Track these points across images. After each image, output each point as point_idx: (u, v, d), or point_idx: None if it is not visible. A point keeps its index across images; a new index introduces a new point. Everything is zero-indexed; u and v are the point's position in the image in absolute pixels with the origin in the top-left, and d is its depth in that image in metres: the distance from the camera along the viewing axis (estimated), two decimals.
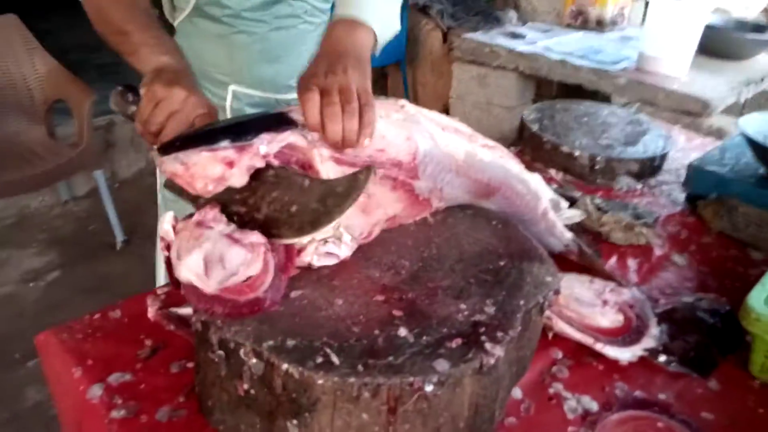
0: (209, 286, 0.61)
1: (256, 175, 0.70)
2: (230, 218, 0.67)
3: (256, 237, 0.65)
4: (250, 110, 1.15)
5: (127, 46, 0.86)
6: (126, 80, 0.83)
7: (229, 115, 1.15)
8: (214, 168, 0.67)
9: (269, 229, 0.66)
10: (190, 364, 0.74)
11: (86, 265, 2.52)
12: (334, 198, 0.67)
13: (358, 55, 0.79)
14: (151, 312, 0.75)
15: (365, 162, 0.73)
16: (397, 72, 3.44)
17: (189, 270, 0.61)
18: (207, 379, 0.65)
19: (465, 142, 0.83)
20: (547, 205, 0.93)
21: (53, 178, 2.39)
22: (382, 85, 3.74)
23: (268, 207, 0.68)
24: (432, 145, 0.78)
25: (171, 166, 0.67)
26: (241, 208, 0.68)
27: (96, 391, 0.71)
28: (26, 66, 2.57)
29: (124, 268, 2.50)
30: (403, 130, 0.76)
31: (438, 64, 3.22)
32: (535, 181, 0.92)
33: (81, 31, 3.01)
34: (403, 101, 0.80)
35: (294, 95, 1.16)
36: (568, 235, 0.96)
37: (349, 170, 0.72)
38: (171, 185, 0.71)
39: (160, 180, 1.25)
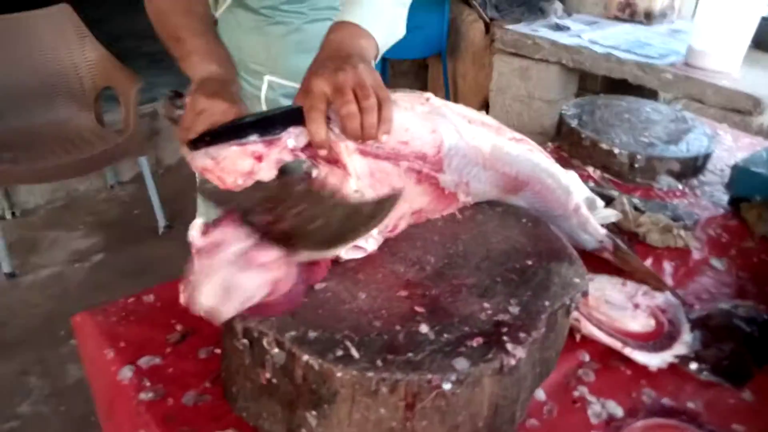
0: (227, 312, 0.62)
1: (286, 186, 0.70)
2: (253, 225, 0.68)
3: (271, 255, 0.64)
4: (284, 101, 1.16)
5: (180, 51, 0.89)
6: (174, 70, 0.85)
7: (264, 105, 1.17)
8: (244, 162, 0.68)
9: (290, 240, 0.67)
10: (218, 351, 0.76)
11: (129, 249, 2.60)
12: (359, 218, 0.67)
13: (364, 57, 0.77)
14: (183, 298, 0.77)
15: (389, 153, 0.73)
16: (437, 63, 3.42)
17: (206, 299, 0.62)
18: (232, 366, 0.67)
19: (492, 135, 0.82)
20: (578, 200, 0.91)
21: (100, 164, 2.47)
22: (422, 77, 3.72)
23: (293, 219, 0.68)
24: (457, 138, 0.78)
25: (201, 161, 0.68)
26: (267, 217, 0.69)
27: (126, 373, 0.73)
28: (77, 54, 2.65)
29: (165, 253, 2.57)
30: (428, 123, 0.76)
31: (479, 56, 3.19)
32: (565, 176, 0.90)
33: (132, 19, 3.10)
34: (429, 94, 0.80)
35: None
36: (602, 231, 0.94)
37: (373, 162, 0.72)
38: (203, 191, 0.72)
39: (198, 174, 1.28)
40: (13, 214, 2.79)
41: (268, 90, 1.15)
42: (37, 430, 1.74)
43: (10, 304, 2.26)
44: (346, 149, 0.70)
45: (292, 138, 0.69)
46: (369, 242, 0.73)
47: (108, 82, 2.64)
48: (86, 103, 2.70)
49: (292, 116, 0.70)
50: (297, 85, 1.15)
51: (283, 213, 0.68)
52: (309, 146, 0.71)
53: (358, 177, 0.71)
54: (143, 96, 2.57)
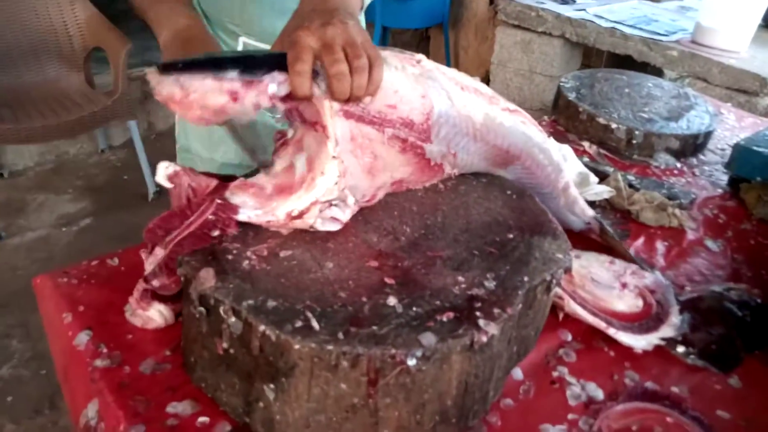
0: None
1: None
2: None
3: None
4: None
5: (149, 21, 0.85)
6: None
7: None
8: (217, 98, 0.61)
9: None
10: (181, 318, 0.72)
11: (118, 214, 2.57)
12: None
13: (351, 12, 0.71)
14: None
15: (374, 117, 0.68)
16: (439, 34, 3.34)
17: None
18: (190, 335, 0.63)
19: (485, 104, 0.77)
20: (568, 179, 0.86)
21: (88, 126, 2.42)
22: (423, 48, 3.64)
23: None
24: (448, 106, 0.73)
25: (168, 88, 0.61)
26: None
27: (83, 338, 0.69)
28: (67, 12, 2.58)
29: None
30: (419, 87, 0.70)
31: (482, 28, 3.11)
32: (558, 152, 0.86)
33: None
34: (420, 55, 0.74)
35: None
36: (590, 212, 0.90)
37: (356, 126, 0.67)
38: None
39: (177, 138, 1.23)
40: (1, 175, 2.75)
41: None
42: (17, 392, 1.72)
43: None
44: (330, 109, 0.65)
45: (275, 84, 0.63)
46: (346, 213, 0.68)
47: (98, 43, 2.58)
48: (76, 64, 2.64)
49: (277, 61, 0.63)
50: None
51: None
52: (289, 97, 0.65)
53: (337, 141, 0.65)
54: (135, 59, 2.51)
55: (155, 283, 0.66)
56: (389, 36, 3.47)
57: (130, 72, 2.47)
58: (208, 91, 0.61)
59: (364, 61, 0.63)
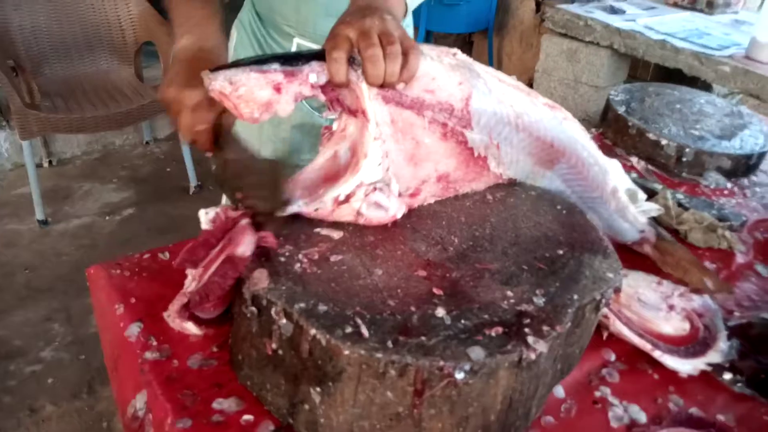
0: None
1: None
2: None
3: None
4: None
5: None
6: None
7: None
8: (262, 91, 0.64)
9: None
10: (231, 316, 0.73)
11: (159, 206, 2.62)
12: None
13: (394, 15, 0.73)
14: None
15: (413, 102, 0.69)
16: (483, 40, 3.32)
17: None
18: (239, 333, 0.65)
19: (524, 96, 0.76)
20: (616, 183, 0.85)
21: (136, 118, 2.48)
22: (467, 53, 3.62)
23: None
24: (487, 93, 0.72)
25: (219, 83, 0.64)
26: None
27: (134, 330, 0.72)
28: (121, 7, 2.65)
29: (194, 212, 2.53)
30: (456, 74, 0.71)
31: (527, 35, 3.08)
32: (602, 155, 0.84)
33: None
34: (456, 50, 0.74)
35: None
36: (643, 219, 0.88)
37: (395, 109, 0.68)
38: (217, 176, 0.70)
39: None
40: (50, 162, 2.84)
41: None
42: (57, 375, 1.78)
43: (41, 250, 2.30)
44: (368, 92, 0.66)
45: (314, 73, 0.65)
46: (391, 200, 0.69)
47: (149, 37, 2.64)
48: (127, 57, 2.71)
49: (316, 54, 0.66)
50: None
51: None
52: (329, 85, 0.67)
53: (377, 123, 0.67)
54: None
55: (193, 307, 0.67)
56: (432, 40, 3.47)
57: None
58: (254, 85, 0.64)
59: (398, 48, 0.64)
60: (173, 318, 0.69)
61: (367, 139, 0.67)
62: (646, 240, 0.90)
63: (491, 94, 0.73)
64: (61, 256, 2.28)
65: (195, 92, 0.70)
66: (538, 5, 2.97)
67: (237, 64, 0.66)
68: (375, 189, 0.68)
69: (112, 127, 2.46)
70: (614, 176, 0.85)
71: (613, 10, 2.62)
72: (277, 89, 0.65)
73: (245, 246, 0.62)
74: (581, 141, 0.81)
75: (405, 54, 0.65)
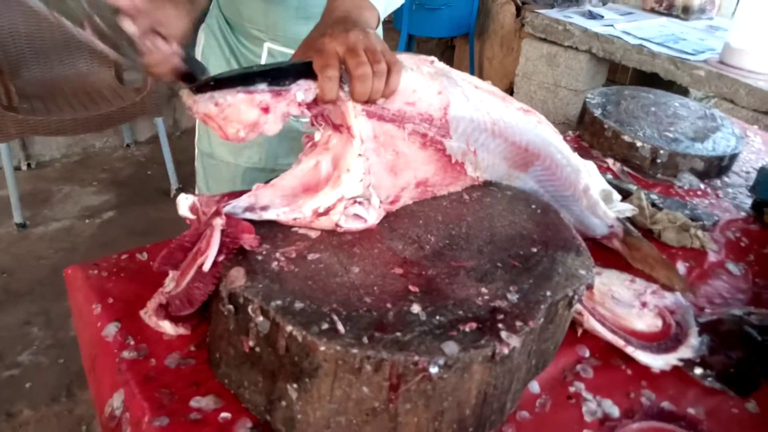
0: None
1: None
2: None
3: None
4: None
5: None
6: None
7: None
8: (249, 112, 0.64)
9: None
10: (208, 315, 0.74)
11: (140, 209, 2.61)
12: None
13: (370, 27, 0.74)
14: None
15: (394, 115, 0.70)
16: (464, 44, 3.35)
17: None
18: (216, 331, 0.65)
19: (499, 102, 0.78)
20: (587, 181, 0.87)
21: (116, 121, 2.47)
22: (448, 57, 3.65)
23: None
24: (464, 101, 0.74)
25: (204, 106, 0.64)
26: None
27: (111, 330, 0.71)
28: (101, 6, 2.63)
29: (175, 215, 2.53)
30: (435, 83, 0.72)
31: (508, 40, 3.11)
32: (586, 167, 0.86)
33: None
34: (433, 57, 0.76)
35: None
36: (612, 215, 0.90)
37: (377, 124, 0.69)
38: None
39: (198, 143, 1.24)
40: (28, 165, 2.81)
41: (268, 58, 1.12)
42: (36, 379, 1.75)
43: (18, 254, 2.28)
44: (354, 109, 0.67)
45: (301, 91, 0.65)
46: (370, 212, 0.70)
47: None
48: (106, 59, 2.69)
49: (302, 70, 0.66)
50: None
51: None
52: (315, 103, 0.67)
53: (362, 140, 0.68)
54: None
55: (174, 311, 0.67)
56: (414, 44, 3.49)
57: None
58: (241, 106, 0.64)
59: (384, 66, 0.66)
60: (150, 315, 0.69)
61: (350, 155, 0.68)
62: (615, 235, 0.92)
63: (469, 101, 0.74)
64: (40, 260, 2.25)
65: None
66: (519, 10, 3.01)
67: (220, 81, 0.65)
68: (355, 203, 0.69)
69: (92, 129, 2.44)
70: (585, 175, 0.87)
71: (592, 15, 2.66)
72: (265, 110, 0.65)
73: (209, 257, 0.62)
74: (555, 143, 0.82)
75: (388, 70, 0.66)
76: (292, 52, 1.07)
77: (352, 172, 0.67)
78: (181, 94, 0.65)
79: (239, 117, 0.64)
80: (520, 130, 0.79)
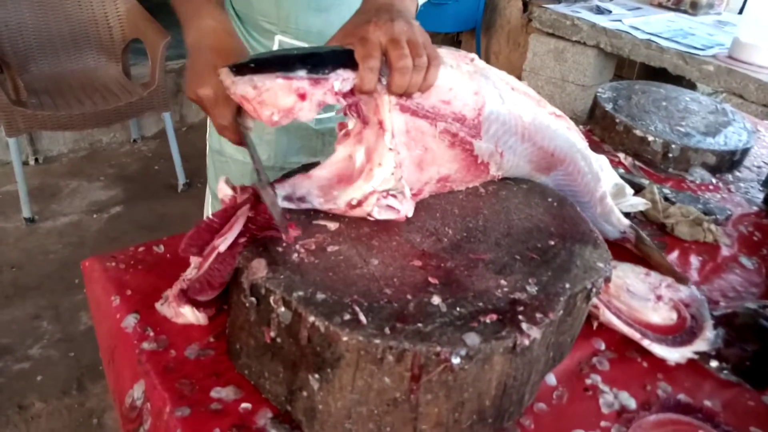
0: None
1: None
2: None
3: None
4: None
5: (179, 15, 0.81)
6: None
7: None
8: (286, 98, 0.64)
9: None
10: (226, 306, 0.74)
11: (147, 203, 2.61)
12: None
13: (411, 15, 0.73)
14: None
15: (428, 112, 0.70)
16: (471, 39, 3.35)
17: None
18: (237, 323, 0.65)
19: (533, 105, 0.78)
20: (605, 189, 0.87)
21: (124, 116, 2.47)
22: None
23: None
24: (500, 103, 0.74)
25: (243, 88, 0.63)
26: None
27: (130, 321, 0.72)
28: (109, 3, 2.64)
29: (182, 210, 2.58)
30: (472, 83, 0.72)
31: (514, 35, 3.11)
32: (598, 161, 0.87)
33: None
34: (473, 55, 0.76)
35: None
36: (626, 221, 0.91)
37: (410, 119, 0.69)
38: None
39: (209, 140, 1.23)
40: (36, 160, 2.81)
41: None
42: (46, 372, 1.76)
43: (27, 248, 2.29)
44: (389, 103, 0.67)
45: (339, 81, 0.65)
46: (403, 203, 0.70)
47: (137, 35, 2.63)
48: (114, 54, 2.69)
49: (342, 58, 0.65)
50: (308, 46, 1.06)
51: None
52: (351, 92, 0.67)
53: (393, 134, 0.68)
54: (172, 52, 2.55)
55: (194, 294, 0.68)
56: None
57: (166, 64, 2.51)
58: (279, 91, 0.64)
59: (424, 60, 0.65)
60: (168, 303, 0.70)
61: (382, 149, 0.67)
62: (627, 241, 0.92)
63: (504, 104, 0.74)
64: (49, 254, 2.26)
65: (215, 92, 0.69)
66: (526, 5, 3.00)
67: (260, 64, 0.64)
68: (388, 195, 0.69)
69: (100, 124, 2.44)
70: (605, 183, 0.87)
71: (600, 10, 2.65)
72: (302, 96, 0.64)
73: (227, 239, 0.63)
74: (581, 150, 0.83)
75: (428, 64, 0.65)
76: (303, 44, 1.07)
77: (384, 166, 0.67)
78: (221, 72, 0.64)
79: (275, 102, 0.64)
80: (550, 135, 0.79)
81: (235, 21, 1.13)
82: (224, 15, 0.80)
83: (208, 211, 1.29)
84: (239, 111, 0.71)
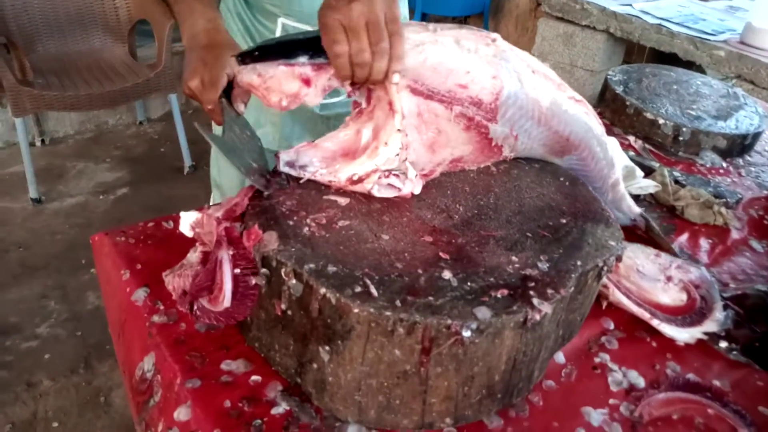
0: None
1: None
2: None
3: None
4: None
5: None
6: None
7: None
8: (291, 84, 0.66)
9: None
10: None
11: (153, 185, 2.61)
12: None
13: None
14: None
15: (443, 96, 0.70)
16: (479, 23, 3.32)
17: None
18: None
19: (553, 89, 0.77)
20: (619, 175, 0.86)
21: (130, 97, 2.46)
22: None
23: None
24: (518, 87, 0.73)
25: (248, 76, 0.66)
26: None
27: (141, 294, 0.72)
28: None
29: (188, 192, 2.58)
30: (491, 68, 0.71)
31: (523, 19, 3.08)
32: (612, 147, 0.86)
33: None
34: (495, 35, 0.75)
35: None
36: (636, 209, 0.90)
37: (423, 102, 0.69)
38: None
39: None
40: (42, 141, 2.81)
41: (282, 33, 1.09)
42: (54, 351, 1.78)
43: (34, 228, 2.29)
44: (396, 86, 0.67)
45: None
46: (406, 184, 0.70)
47: (143, 15, 2.61)
48: (120, 35, 2.68)
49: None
50: (313, 29, 1.06)
51: None
52: None
53: (403, 116, 0.68)
54: (178, 34, 2.52)
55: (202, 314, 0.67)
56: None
57: (173, 46, 2.50)
58: (282, 78, 0.66)
59: (385, 44, 0.64)
60: (172, 292, 0.69)
61: (389, 129, 0.68)
62: (637, 228, 0.92)
63: (522, 87, 0.73)
64: (56, 235, 2.27)
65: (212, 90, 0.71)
66: None
67: (264, 52, 0.66)
68: (390, 174, 0.69)
69: (106, 105, 2.44)
70: (618, 169, 0.86)
71: None
72: (306, 82, 0.66)
73: (227, 296, 0.63)
74: (597, 136, 0.82)
75: (391, 45, 0.64)
76: (307, 27, 1.06)
77: (390, 146, 0.67)
78: (229, 63, 0.67)
79: (280, 88, 0.66)
80: (566, 120, 0.78)
81: (241, 4, 1.12)
82: (215, 13, 0.81)
83: (215, 199, 1.29)
84: (229, 98, 0.73)
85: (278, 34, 1.09)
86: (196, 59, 0.74)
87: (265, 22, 1.09)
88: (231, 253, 0.62)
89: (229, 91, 0.72)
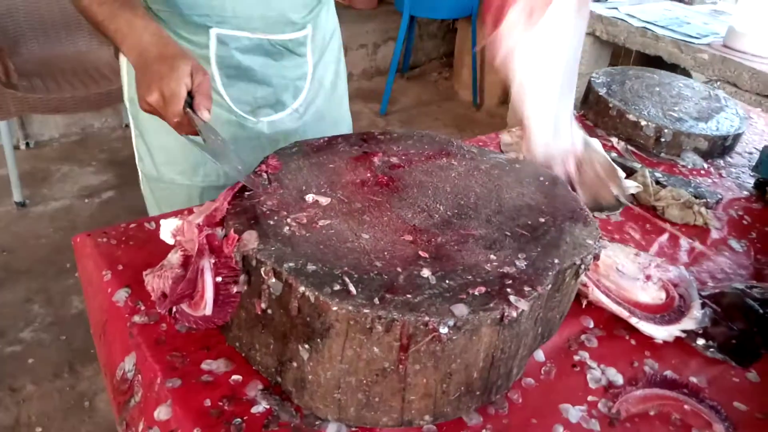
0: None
1: None
2: None
3: None
4: (240, 57, 0.98)
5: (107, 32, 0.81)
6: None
7: (214, 66, 0.98)
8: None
9: None
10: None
11: (139, 189, 2.59)
12: None
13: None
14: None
15: None
16: (467, 26, 3.33)
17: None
18: None
19: None
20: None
21: (115, 99, 2.45)
22: (450, 40, 3.63)
23: None
24: None
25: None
26: None
27: (122, 295, 0.72)
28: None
29: None
30: None
31: None
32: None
33: None
34: None
35: (293, 34, 1.02)
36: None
37: None
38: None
39: (141, 166, 1.15)
40: (27, 144, 2.79)
41: (218, 46, 0.97)
42: (38, 355, 1.76)
43: (18, 232, 2.27)
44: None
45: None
46: None
47: None
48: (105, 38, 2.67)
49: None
50: (252, 36, 0.98)
51: None
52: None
53: None
54: None
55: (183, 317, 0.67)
56: (416, 25, 3.46)
57: None
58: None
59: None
60: (152, 293, 0.69)
61: None
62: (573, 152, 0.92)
63: None
64: (40, 239, 2.25)
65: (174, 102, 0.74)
66: None
67: None
68: None
69: (92, 108, 2.42)
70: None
71: None
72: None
73: (208, 304, 0.64)
74: None
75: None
76: (246, 35, 0.98)
77: None
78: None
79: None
80: None
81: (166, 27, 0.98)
82: (156, 24, 0.80)
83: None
84: (191, 107, 0.74)
85: (213, 48, 0.97)
86: (151, 74, 0.74)
87: (193, 38, 0.96)
88: (213, 261, 0.62)
89: (189, 102, 0.73)
